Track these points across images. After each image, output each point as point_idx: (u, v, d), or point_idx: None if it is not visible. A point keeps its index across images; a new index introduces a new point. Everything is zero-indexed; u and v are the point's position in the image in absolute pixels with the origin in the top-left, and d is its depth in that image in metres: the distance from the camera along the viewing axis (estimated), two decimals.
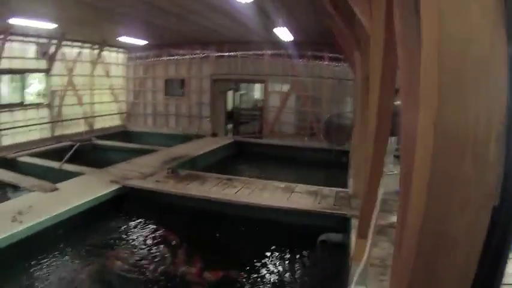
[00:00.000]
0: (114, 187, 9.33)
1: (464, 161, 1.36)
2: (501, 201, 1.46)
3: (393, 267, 2.13)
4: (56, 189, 8.90)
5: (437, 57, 1.36)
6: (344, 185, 10.49)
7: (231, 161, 16.36)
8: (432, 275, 1.54)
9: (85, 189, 9.01)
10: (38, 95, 16.50)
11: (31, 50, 15.61)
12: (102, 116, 19.70)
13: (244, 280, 6.81)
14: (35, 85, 16.49)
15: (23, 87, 15.59)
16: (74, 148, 13.37)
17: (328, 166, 14.32)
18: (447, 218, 1.45)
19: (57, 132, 16.52)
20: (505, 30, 1.30)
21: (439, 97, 1.38)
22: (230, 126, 20.93)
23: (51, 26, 12.70)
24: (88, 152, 14.83)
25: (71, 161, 12.02)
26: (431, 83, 1.40)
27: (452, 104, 1.37)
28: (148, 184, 9.78)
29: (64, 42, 16.47)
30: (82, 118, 18.20)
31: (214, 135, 18.82)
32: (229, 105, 21.87)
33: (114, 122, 20.80)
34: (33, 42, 15.47)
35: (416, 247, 1.53)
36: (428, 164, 1.42)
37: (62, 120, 16.91)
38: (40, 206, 7.73)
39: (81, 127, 17.96)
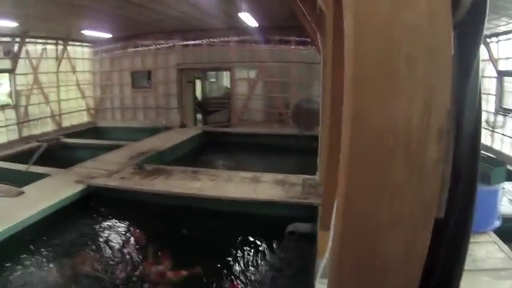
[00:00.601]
0: (80, 187, 9.37)
1: (392, 166, 1.09)
2: (448, 214, 1.20)
3: None
4: (22, 192, 8.92)
5: (354, 24, 1.06)
6: (314, 171, 10.40)
7: (199, 152, 16.40)
8: None
9: (51, 191, 9.04)
10: (10, 95, 16.32)
11: None
12: (70, 113, 19.57)
13: (209, 276, 6.86)
14: (6, 85, 16.30)
15: None
16: (41, 149, 13.32)
17: (299, 152, 14.39)
18: (372, 238, 1.18)
19: (25, 133, 16.37)
20: None
21: (355, 78, 1.09)
22: (200, 116, 20.91)
23: (11, 24, 12.56)
24: (57, 152, 14.80)
25: (39, 162, 11.99)
26: (349, 60, 1.10)
27: (374, 90, 1.07)
28: (113, 182, 9.87)
29: (28, 40, 16.26)
30: (49, 117, 18.06)
31: (182, 126, 18.91)
32: (199, 95, 21.86)
33: (83, 118, 20.66)
34: None
35: (337, 275, 1.29)
36: (346, 169, 1.15)
37: (29, 121, 16.77)
38: (6, 212, 7.76)
39: (49, 126, 17.85)
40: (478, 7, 1.08)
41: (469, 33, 1.11)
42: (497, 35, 12.09)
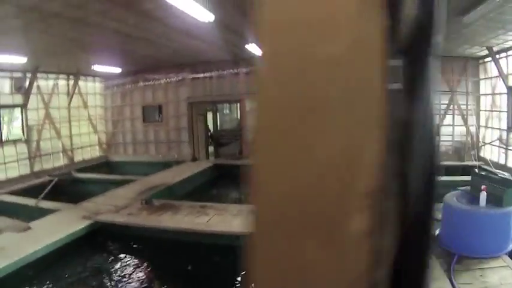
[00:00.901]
0: (86, 223, 9.26)
1: (300, 243, 0.86)
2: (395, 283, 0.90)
3: None
4: (29, 228, 8.87)
5: (261, 61, 0.86)
6: None
7: (210, 185, 16.24)
8: None
9: (57, 226, 8.97)
10: (22, 129, 16.38)
11: (6, 84, 15.55)
12: (81, 147, 19.69)
13: None
14: (20, 119, 16.46)
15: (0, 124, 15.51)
16: (51, 184, 13.37)
17: None
18: None
19: (37, 168, 16.44)
20: (381, 9, 0.80)
21: (257, 128, 0.90)
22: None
23: (21, 59, 12.66)
24: (68, 186, 14.82)
25: (50, 196, 12.01)
26: (256, 101, 0.90)
27: (275, 144, 0.86)
28: (120, 218, 9.73)
29: (39, 75, 16.48)
30: (61, 152, 18.14)
31: (194, 159, 18.80)
32: (212, 127, 21.84)
33: (95, 152, 20.77)
34: (8, 77, 15.44)
35: None
36: (250, 244, 0.93)
37: (40, 155, 16.86)
38: (12, 247, 7.71)
39: (61, 161, 17.92)
40: (425, 25, 0.85)
41: (414, 57, 0.88)
42: (506, 50, 11.91)
